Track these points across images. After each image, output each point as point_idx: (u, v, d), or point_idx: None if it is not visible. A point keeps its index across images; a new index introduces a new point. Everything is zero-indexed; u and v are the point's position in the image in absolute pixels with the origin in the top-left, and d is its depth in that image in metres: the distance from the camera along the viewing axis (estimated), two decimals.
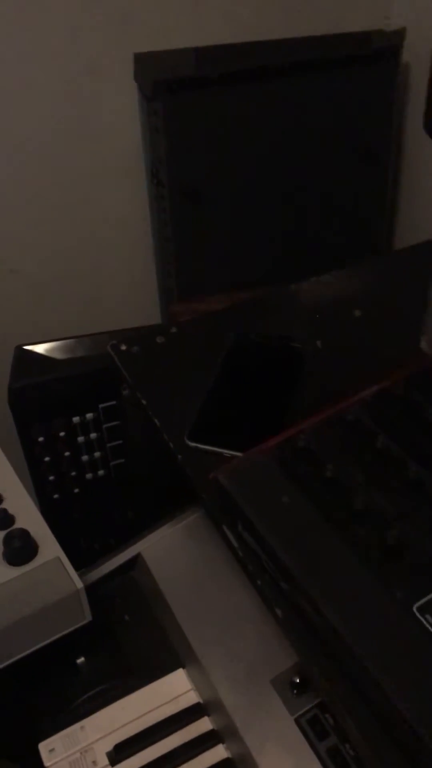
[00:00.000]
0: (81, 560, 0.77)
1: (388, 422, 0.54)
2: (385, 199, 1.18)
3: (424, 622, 0.44)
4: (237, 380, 0.68)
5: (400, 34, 1.08)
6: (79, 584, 0.61)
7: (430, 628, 0.43)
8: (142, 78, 1.02)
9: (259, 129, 1.04)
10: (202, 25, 1.07)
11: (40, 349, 0.89)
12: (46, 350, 0.88)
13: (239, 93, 1.00)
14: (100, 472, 0.93)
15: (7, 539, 0.63)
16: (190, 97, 0.97)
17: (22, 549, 0.63)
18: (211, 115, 1.00)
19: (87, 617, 0.64)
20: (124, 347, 0.73)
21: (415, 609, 0.44)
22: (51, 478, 0.90)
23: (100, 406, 0.87)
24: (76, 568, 0.64)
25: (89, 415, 0.88)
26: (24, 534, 0.63)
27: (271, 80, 1.01)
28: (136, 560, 0.75)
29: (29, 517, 0.67)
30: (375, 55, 1.06)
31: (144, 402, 0.67)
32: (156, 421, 0.64)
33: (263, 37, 1.10)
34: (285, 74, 1.01)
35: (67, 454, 0.89)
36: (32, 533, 0.64)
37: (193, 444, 0.61)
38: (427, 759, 0.40)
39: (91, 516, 0.97)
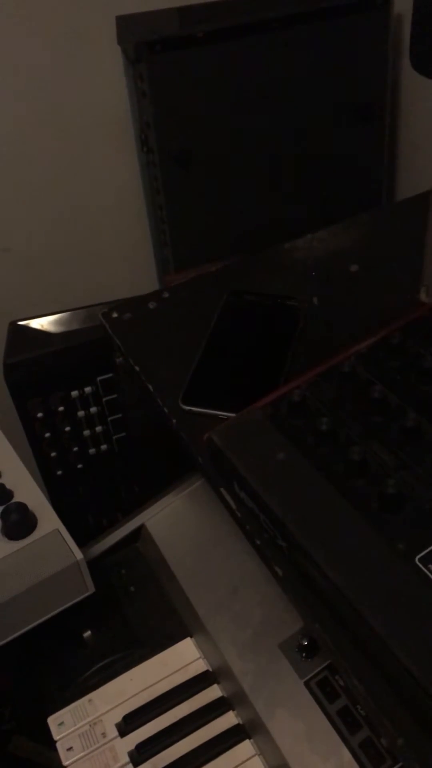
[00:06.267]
0: (90, 536, 0.76)
1: (384, 372, 0.52)
2: (383, 153, 1.14)
3: (428, 573, 0.42)
4: (231, 341, 0.66)
5: None
6: (79, 555, 0.60)
7: None
8: (125, 41, 0.99)
9: (249, 87, 1.01)
10: None
11: (34, 323, 0.87)
12: (41, 324, 0.87)
13: (226, 51, 0.97)
14: (103, 447, 0.92)
15: (5, 513, 0.62)
16: (175, 58, 0.94)
17: (21, 523, 0.62)
18: (198, 75, 0.97)
19: (89, 589, 0.63)
20: (115, 315, 0.71)
21: (417, 560, 0.42)
22: (53, 454, 0.89)
23: (98, 378, 0.86)
24: (85, 544, 0.62)
25: (88, 389, 0.86)
26: (22, 507, 0.62)
27: (259, 36, 0.97)
28: (139, 531, 0.74)
29: (27, 490, 0.66)
30: (366, 3, 1.02)
31: (137, 368, 0.65)
32: (149, 386, 0.63)
33: None
34: (272, 29, 0.98)
35: (67, 429, 0.88)
36: (31, 507, 0.63)
37: (188, 407, 0.60)
38: None
39: (97, 491, 0.96)
